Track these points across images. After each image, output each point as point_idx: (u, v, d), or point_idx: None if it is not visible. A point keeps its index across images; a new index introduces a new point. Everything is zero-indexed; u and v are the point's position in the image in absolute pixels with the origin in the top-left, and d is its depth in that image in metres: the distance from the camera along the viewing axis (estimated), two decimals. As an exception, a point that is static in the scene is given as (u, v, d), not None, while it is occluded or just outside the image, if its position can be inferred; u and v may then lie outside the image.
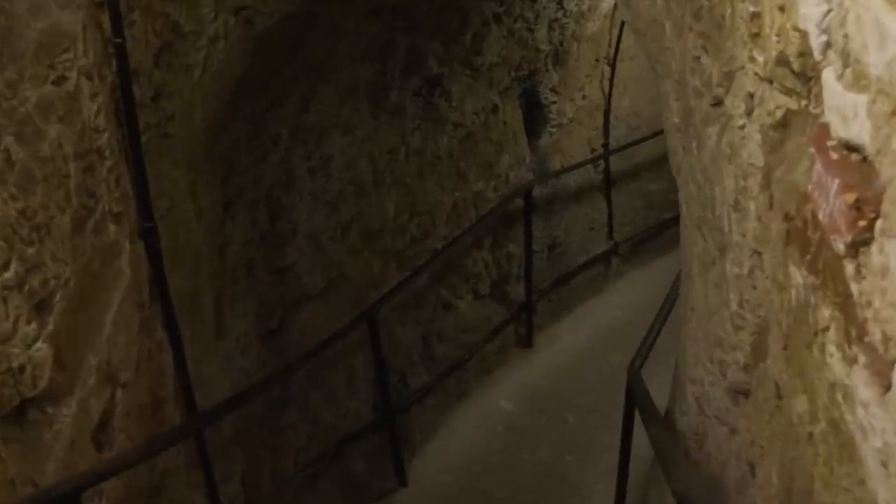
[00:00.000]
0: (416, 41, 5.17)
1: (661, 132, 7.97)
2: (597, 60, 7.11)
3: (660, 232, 8.57)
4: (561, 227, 7.30)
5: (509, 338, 6.94)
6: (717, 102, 2.13)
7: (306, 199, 4.88)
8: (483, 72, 5.86)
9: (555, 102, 6.79)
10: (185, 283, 3.51)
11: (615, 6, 6.95)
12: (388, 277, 5.57)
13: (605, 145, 7.57)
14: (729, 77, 2.05)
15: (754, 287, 2.06)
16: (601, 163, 7.63)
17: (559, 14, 6.24)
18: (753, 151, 1.93)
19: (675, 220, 9.02)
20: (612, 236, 7.94)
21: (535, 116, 6.76)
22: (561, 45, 6.54)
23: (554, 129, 6.93)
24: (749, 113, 1.95)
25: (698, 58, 2.24)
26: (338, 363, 5.35)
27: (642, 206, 8.28)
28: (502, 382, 6.72)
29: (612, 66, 7.30)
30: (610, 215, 7.87)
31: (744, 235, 2.04)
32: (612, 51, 7.23)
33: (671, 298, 5.22)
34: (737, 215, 2.06)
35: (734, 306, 2.18)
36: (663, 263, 8.49)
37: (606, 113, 7.47)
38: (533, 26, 6.06)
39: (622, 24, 7.09)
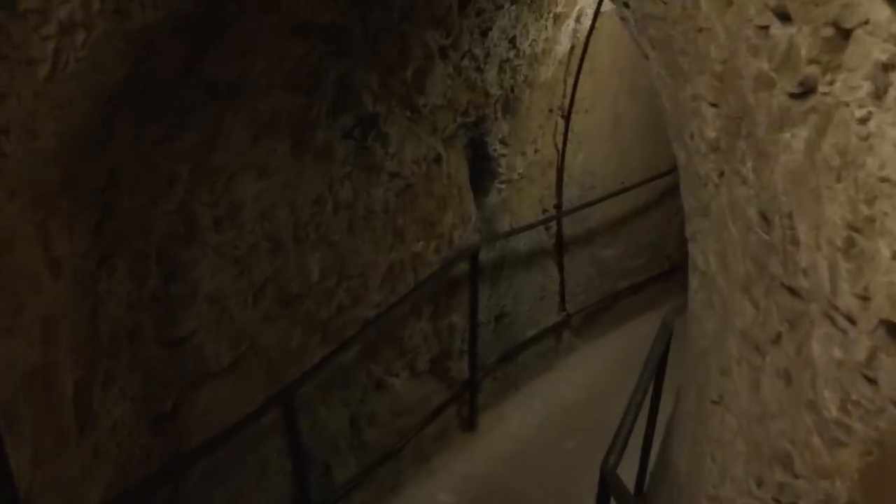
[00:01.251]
0: (348, 71, 4.38)
1: (617, 193, 7.33)
2: (550, 111, 6.42)
3: (614, 302, 7.85)
4: (509, 295, 6.52)
5: (451, 420, 6.08)
6: (806, 90, 1.37)
7: (210, 254, 4.01)
8: (425, 115, 5.10)
9: (504, 155, 6.06)
10: (25, 356, 2.61)
11: (571, 51, 6.30)
12: (311, 351, 4.70)
13: (558, 206, 6.85)
14: (833, 45, 1.29)
15: (873, 381, 1.28)
16: (553, 225, 6.90)
17: (511, 54, 5.53)
18: (891, 158, 1.17)
19: (631, 289, 8.37)
20: (565, 307, 7.18)
21: (482, 170, 6.01)
22: (512, 90, 5.83)
23: (503, 186, 6.18)
24: (880, 95, 1.19)
25: (765, 28, 1.48)
26: (247, 454, 4.44)
27: (596, 273, 7.55)
28: (442, 472, 5.84)
29: (567, 118, 6.62)
30: (562, 283, 7.11)
31: (863, 297, 1.26)
32: (567, 102, 6.55)
33: (644, 383, 4.47)
34: (848, 264, 1.28)
35: (832, 410, 1.38)
36: (618, 338, 7.77)
37: (560, 170, 6.77)
38: (482, 65, 5.33)
39: (578, 70, 6.43)
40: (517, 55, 5.62)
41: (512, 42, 5.48)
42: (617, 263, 7.78)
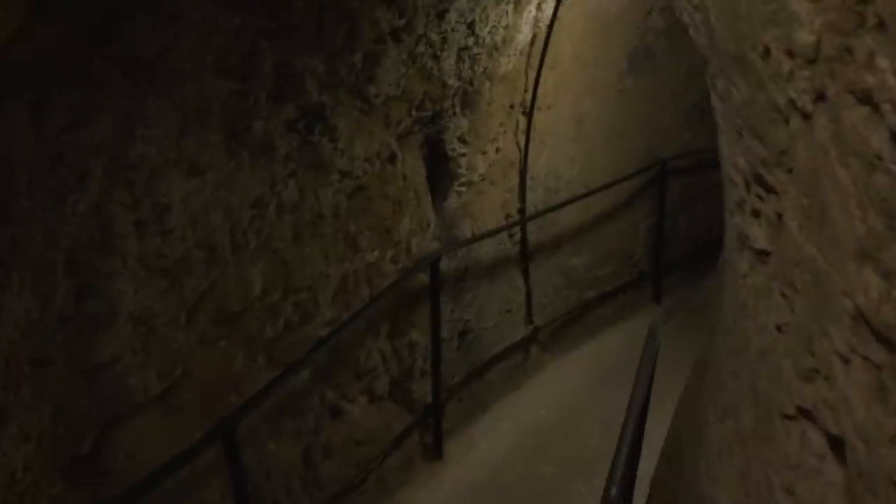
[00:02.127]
0: (289, 53, 3.84)
1: (585, 195, 6.85)
2: (511, 107, 5.92)
3: (583, 314, 7.36)
4: (473, 308, 5.98)
5: (414, 448, 5.51)
6: None
7: (132, 265, 3.41)
8: (377, 106, 4.56)
9: (464, 155, 5.53)
10: None
11: (531, 41, 5.81)
12: (255, 375, 4.11)
13: (522, 210, 6.34)
14: None
15: None
16: (517, 232, 6.39)
17: (470, 41, 5.02)
18: None
19: (600, 299, 7.89)
20: (532, 319, 6.66)
21: (440, 172, 5.49)
22: (471, 83, 5.32)
23: (463, 189, 5.65)
24: None
25: None
26: (184, 499, 3.83)
27: (563, 283, 7.05)
28: (406, 508, 5.28)
29: (529, 115, 6.12)
30: (528, 294, 6.60)
31: None
32: (528, 97, 6.06)
33: (638, 401, 3.95)
34: None
35: None
36: (588, 351, 7.27)
37: (522, 172, 6.27)
38: (439, 52, 4.81)
39: (540, 63, 5.95)
40: (476, 43, 5.11)
41: (471, 28, 4.97)
42: (584, 272, 7.29)
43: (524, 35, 5.66)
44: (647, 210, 7.96)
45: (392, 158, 4.85)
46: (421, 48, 4.66)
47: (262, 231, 4.02)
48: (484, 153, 5.71)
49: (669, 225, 8.18)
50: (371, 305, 4.72)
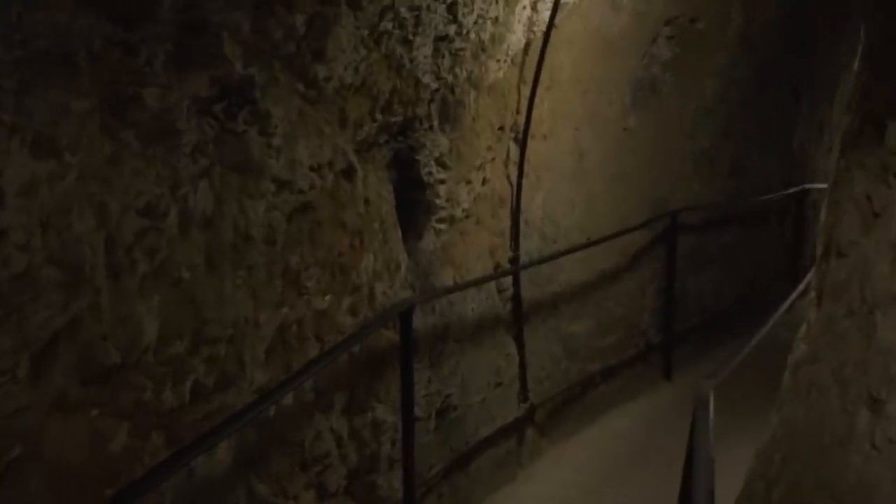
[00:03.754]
0: (197, -6, 2.70)
1: (588, 245, 5.68)
2: (501, 130, 4.81)
3: (584, 391, 6.13)
4: (455, 379, 4.74)
5: (380, 563, 4.20)
6: None
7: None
8: (329, 96, 3.42)
9: (443, 182, 4.39)
10: None
11: (525, 49, 4.74)
12: (147, 461, 2.85)
13: (515, 260, 5.17)
14: None
15: None
16: (509, 287, 5.20)
17: (451, 30, 3.93)
18: None
19: (603, 374, 6.67)
20: (527, 396, 5.42)
21: (413, 201, 4.33)
22: (452, 89, 4.21)
23: (443, 226, 4.49)
24: None
25: None
26: None
27: (562, 353, 5.84)
28: None
29: (523, 143, 5.02)
30: (522, 365, 5.37)
31: None
32: (522, 121, 4.96)
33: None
34: None
35: None
36: (591, 436, 6.02)
37: (515, 213, 5.12)
38: (411, 36, 3.71)
39: (536, 78, 4.86)
40: (459, 33, 4.02)
41: (451, 11, 3.88)
42: (586, 341, 6.10)
43: (517, 38, 4.58)
44: (653, 270, 6.83)
45: (349, 173, 3.69)
46: (387, 24, 3.54)
47: (156, 251, 2.80)
48: (468, 182, 4.57)
49: (679, 289, 7.04)
50: (320, 365, 3.47)
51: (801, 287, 5.11)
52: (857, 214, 2.03)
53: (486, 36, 4.28)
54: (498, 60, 4.49)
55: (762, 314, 8.55)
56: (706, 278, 7.62)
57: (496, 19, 4.28)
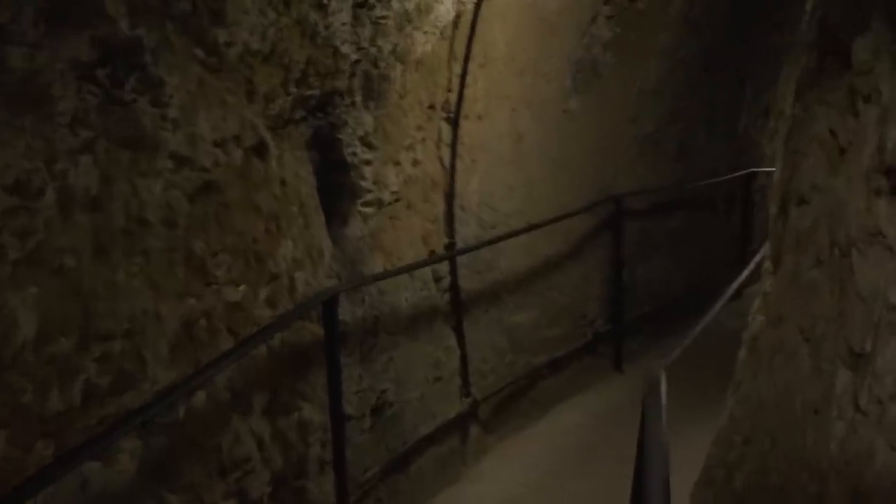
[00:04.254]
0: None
1: (528, 230, 5.41)
2: (431, 108, 4.54)
3: (531, 385, 5.88)
4: (390, 375, 4.45)
5: (310, 574, 3.90)
6: None
7: None
8: (232, 63, 3.12)
9: (369, 163, 4.10)
10: None
11: (455, 22, 4.47)
12: (28, 472, 2.52)
13: (450, 247, 4.90)
14: None
15: None
16: (445, 275, 4.93)
17: (371, -5, 3.65)
18: None
19: (552, 366, 6.40)
20: (469, 391, 5.15)
21: (337, 184, 4.04)
22: (375, 63, 3.93)
23: (370, 210, 4.20)
24: None
25: None
26: None
27: (506, 345, 5.58)
28: None
29: (455, 123, 4.74)
30: (463, 359, 5.10)
31: None
32: (454, 99, 4.69)
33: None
34: None
35: None
36: (541, 431, 5.76)
37: (449, 197, 4.85)
38: (325, 0, 3.42)
39: (467, 54, 4.60)
40: (380, 0, 3.74)
41: (369, -27, 3.60)
42: (531, 332, 5.84)
43: (445, 8, 4.31)
44: (600, 258, 6.60)
45: (261, 151, 3.39)
46: (297, -14, 3.25)
47: (30, 233, 2.48)
48: (397, 164, 4.29)
49: (626, 277, 6.82)
50: (231, 359, 3.17)
51: (750, 267, 4.90)
52: (822, 155, 1.79)
53: (410, 5, 4.01)
54: (425, 32, 4.21)
55: (713, 302, 8.40)
56: (654, 265, 7.41)
57: (421, -14, 4.01)
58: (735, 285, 4.55)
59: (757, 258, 4.98)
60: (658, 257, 7.45)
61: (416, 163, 4.45)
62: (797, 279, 1.86)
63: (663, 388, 2.80)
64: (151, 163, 2.87)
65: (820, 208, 1.74)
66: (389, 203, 4.30)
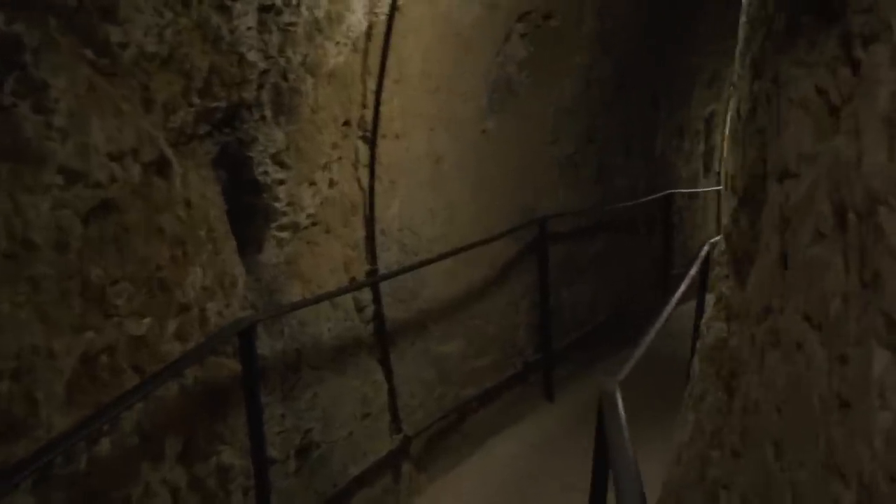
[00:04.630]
0: None
1: (451, 254, 5.15)
2: (346, 125, 4.27)
3: (462, 418, 5.60)
4: (315, 413, 4.12)
5: None
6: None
7: None
8: (126, 66, 2.80)
9: (282, 182, 3.80)
10: None
11: (368, 34, 4.23)
12: None
13: (373, 274, 4.61)
14: None
15: None
16: (369, 304, 4.63)
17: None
18: None
19: (482, 398, 6.09)
20: (400, 427, 4.83)
21: (249, 207, 3.72)
22: (285, 75, 3.65)
23: (286, 235, 3.89)
24: None
25: None
26: None
27: (435, 377, 5.30)
28: None
29: (372, 142, 4.48)
30: (391, 392, 4.79)
31: None
32: (370, 116, 4.43)
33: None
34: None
35: None
36: (474, 467, 5.46)
37: (369, 221, 4.56)
38: (228, 1, 3.13)
39: (381, 68, 4.36)
40: (287, 4, 3.47)
41: (276, -27, 3.33)
42: (459, 363, 5.57)
43: (357, 18, 4.07)
44: (526, 283, 6.39)
45: (163, 169, 3.06)
46: (196, -19, 2.96)
47: None
48: (312, 184, 3.99)
49: (553, 303, 6.62)
50: (136, 398, 2.81)
51: (683, 287, 4.74)
52: (808, 120, 1.58)
53: (320, 13, 3.74)
54: (337, 43, 3.95)
55: (639, 326, 8.26)
56: (580, 290, 7.24)
57: (332, -6, 3.76)
58: (674, 301, 4.36)
59: (692, 272, 4.82)
60: (583, 282, 7.29)
61: (332, 183, 4.16)
62: (791, 263, 1.63)
63: (620, 401, 2.56)
64: (37, 177, 2.52)
65: (814, 177, 1.52)
66: (306, 227, 4.00)
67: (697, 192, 10.22)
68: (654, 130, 8.61)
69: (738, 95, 2.72)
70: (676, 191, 9.06)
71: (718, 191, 11.29)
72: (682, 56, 8.72)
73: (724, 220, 2.66)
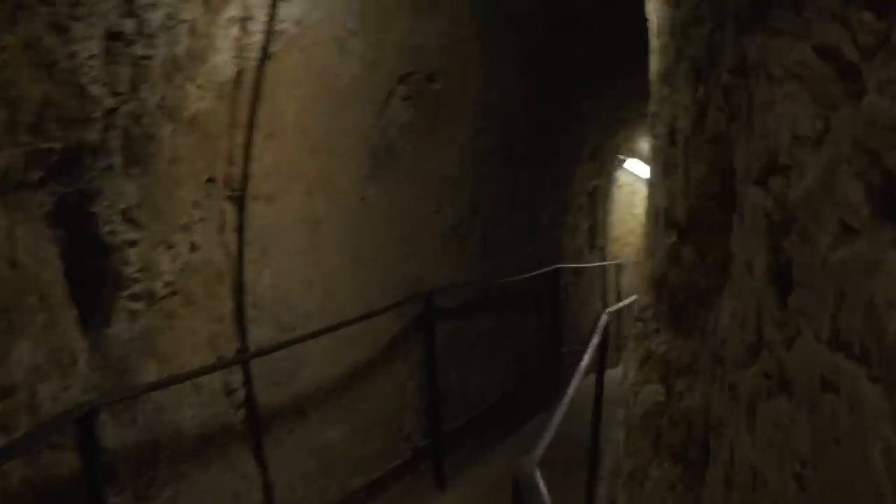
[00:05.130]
0: None
1: (330, 329, 4.61)
2: (211, 181, 3.77)
3: (348, 514, 5.02)
4: (175, 515, 3.50)
5: None
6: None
7: None
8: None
9: (134, 244, 3.26)
10: None
11: (237, 81, 3.78)
12: None
13: (243, 351, 4.06)
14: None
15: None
16: (239, 387, 4.06)
17: (128, 25, 2.89)
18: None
19: (369, 489, 5.39)
20: (276, 526, 4.23)
21: (93, 271, 3.16)
22: (138, 117, 3.14)
23: (139, 305, 3.33)
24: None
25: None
26: None
27: (317, 468, 4.73)
28: None
29: (241, 204, 3.99)
30: (267, 487, 4.19)
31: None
32: (239, 173, 3.95)
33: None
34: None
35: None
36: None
37: (238, 293, 4.03)
38: (65, 21, 2.64)
39: (251, 120, 3.90)
40: (140, 33, 3.00)
41: (124, -4, 2.86)
42: (343, 451, 5.01)
43: (224, 60, 3.61)
44: (413, 363, 5.92)
45: (-21, 218, 2.50)
46: (19, -8, 2.46)
47: None
48: (170, 247, 3.46)
49: (442, 384, 6.16)
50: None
51: (588, 356, 4.35)
52: (805, 93, 1.23)
53: (180, 49, 3.27)
54: (200, 87, 3.48)
55: (533, 407, 7.86)
56: (469, 370, 6.80)
57: (194, 28, 3.29)
58: (578, 376, 3.96)
59: (594, 342, 4.45)
60: (472, 361, 6.86)
61: (195, 247, 3.64)
62: (799, 277, 1.24)
63: (541, 483, 2.12)
64: None
65: (829, 158, 1.14)
66: (164, 297, 3.45)
67: (583, 268, 10.01)
68: (539, 204, 8.37)
69: (663, 121, 2.38)
70: (564, 265, 8.81)
71: (604, 267, 11.15)
72: (566, 129, 8.58)
73: (650, 267, 2.30)
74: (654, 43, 2.73)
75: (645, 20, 3.24)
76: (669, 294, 2.12)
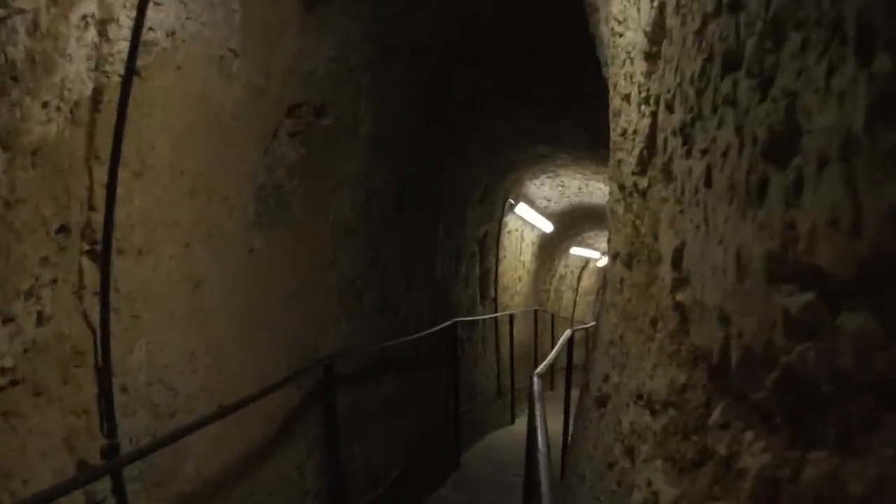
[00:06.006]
0: None
1: (226, 413, 3.72)
2: (63, 231, 2.87)
3: None
4: None
5: None
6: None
7: None
8: None
9: (-43, 319, 2.34)
10: None
11: (96, 99, 2.92)
12: None
13: (112, 450, 3.13)
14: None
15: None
16: (109, 499, 3.13)
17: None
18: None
19: None
20: None
21: None
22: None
23: (-35, 404, 2.40)
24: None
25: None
26: None
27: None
28: None
29: (104, 260, 3.09)
30: None
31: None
32: (100, 221, 3.06)
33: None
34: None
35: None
36: None
37: (103, 374, 3.12)
38: None
39: (116, 148, 3.04)
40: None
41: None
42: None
43: (77, 72, 2.74)
44: (312, 440, 5.07)
45: None
46: None
47: None
48: (8, 320, 2.55)
49: (345, 459, 5.33)
50: None
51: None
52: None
53: (18, 53, 2.40)
54: (46, 105, 2.60)
55: (437, 476, 7.09)
56: (372, 441, 5.97)
57: (36, 23, 2.43)
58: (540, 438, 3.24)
59: (537, 413, 3.73)
60: (375, 431, 6.04)
61: (43, 319, 2.73)
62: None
63: None
64: None
65: None
66: (1, 388, 2.53)
67: (477, 321, 9.34)
68: (433, 252, 7.66)
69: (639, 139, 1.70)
70: (461, 319, 8.10)
71: (496, 318, 10.50)
72: (457, 170, 7.93)
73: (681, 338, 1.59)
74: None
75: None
76: (781, 387, 1.38)
